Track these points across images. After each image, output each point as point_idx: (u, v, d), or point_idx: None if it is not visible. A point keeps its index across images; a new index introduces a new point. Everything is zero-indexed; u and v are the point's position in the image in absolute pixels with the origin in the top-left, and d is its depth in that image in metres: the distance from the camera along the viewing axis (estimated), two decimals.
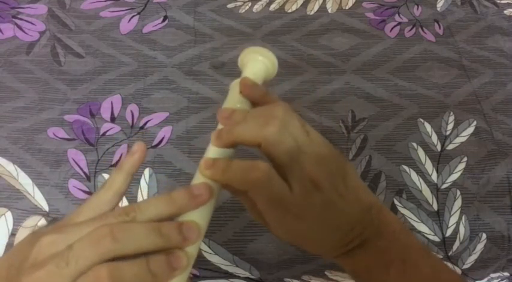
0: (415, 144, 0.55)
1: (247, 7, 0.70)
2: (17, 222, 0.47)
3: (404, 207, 0.51)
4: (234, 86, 0.34)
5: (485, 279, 0.54)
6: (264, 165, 0.29)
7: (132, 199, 0.49)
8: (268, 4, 0.70)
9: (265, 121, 0.30)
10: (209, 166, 0.30)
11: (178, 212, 0.27)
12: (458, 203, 0.51)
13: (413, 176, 0.53)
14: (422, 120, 0.57)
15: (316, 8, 0.70)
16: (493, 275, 0.54)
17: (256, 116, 0.31)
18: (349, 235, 0.30)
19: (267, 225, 0.32)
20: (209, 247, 0.48)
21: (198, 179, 0.30)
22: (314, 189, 0.30)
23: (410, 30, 0.68)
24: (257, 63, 0.35)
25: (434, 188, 0.52)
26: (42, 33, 0.63)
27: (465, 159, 0.54)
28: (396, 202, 0.51)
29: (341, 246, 0.31)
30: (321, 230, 0.30)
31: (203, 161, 0.30)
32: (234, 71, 0.62)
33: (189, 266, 0.28)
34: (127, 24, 0.66)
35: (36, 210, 0.48)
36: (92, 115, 0.56)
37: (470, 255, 0.50)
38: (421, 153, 0.54)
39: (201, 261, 0.48)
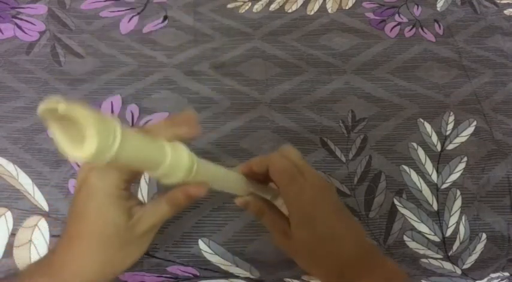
0: (415, 144, 0.55)
1: (247, 7, 0.70)
2: (17, 222, 0.47)
3: (404, 207, 0.51)
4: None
5: (485, 279, 0.54)
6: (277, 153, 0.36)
7: None
8: (268, 4, 0.70)
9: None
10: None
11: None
12: (458, 203, 0.51)
13: (413, 176, 0.53)
14: (422, 120, 0.57)
15: (316, 8, 0.70)
16: (493, 275, 0.54)
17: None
18: (352, 253, 0.33)
19: (287, 240, 0.35)
20: (209, 247, 0.48)
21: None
22: (323, 187, 0.35)
23: (410, 30, 0.68)
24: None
25: (434, 188, 0.52)
26: (42, 33, 0.63)
27: (465, 159, 0.54)
28: (396, 202, 0.51)
29: (342, 266, 0.33)
30: (329, 228, 0.34)
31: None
32: (234, 71, 0.62)
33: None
34: (127, 24, 0.66)
35: (36, 210, 0.48)
36: None
37: (470, 255, 0.50)
38: (421, 153, 0.54)
39: (201, 261, 0.48)
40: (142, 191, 0.50)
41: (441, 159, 0.54)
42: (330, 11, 0.70)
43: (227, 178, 0.36)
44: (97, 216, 0.28)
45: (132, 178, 0.29)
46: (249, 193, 0.38)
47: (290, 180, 0.34)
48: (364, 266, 0.32)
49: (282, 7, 0.70)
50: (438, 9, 0.71)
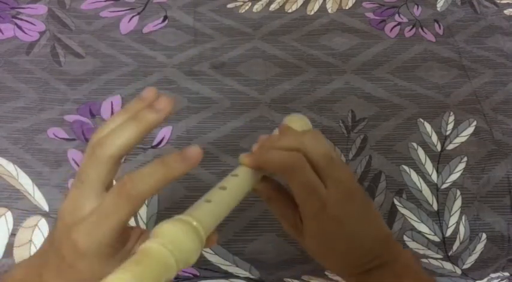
0: (415, 144, 0.55)
1: (247, 7, 0.70)
2: (17, 222, 0.47)
3: (404, 207, 0.51)
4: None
5: (485, 279, 0.54)
6: (299, 154, 0.31)
7: None
8: (268, 4, 0.70)
9: (300, 133, 0.33)
10: (248, 155, 0.32)
11: (172, 175, 0.25)
12: (458, 203, 0.51)
13: (413, 176, 0.53)
14: (422, 120, 0.57)
15: (316, 8, 0.70)
16: (493, 275, 0.54)
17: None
18: (369, 255, 0.32)
19: (298, 234, 0.33)
20: (209, 247, 0.48)
21: (237, 170, 0.32)
22: (349, 197, 0.32)
23: (410, 30, 0.68)
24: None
25: (434, 188, 0.52)
26: (42, 33, 0.63)
27: (465, 159, 0.54)
28: (396, 202, 0.51)
29: (359, 266, 0.32)
30: (349, 239, 0.32)
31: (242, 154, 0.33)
32: (234, 71, 0.62)
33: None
34: (127, 24, 0.66)
35: (36, 210, 0.48)
36: (92, 115, 0.56)
37: (470, 255, 0.50)
38: (421, 153, 0.54)
39: (201, 261, 0.48)
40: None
41: (441, 159, 0.54)
42: (330, 11, 0.70)
43: (232, 196, 0.31)
44: (90, 274, 0.25)
45: (123, 230, 0.25)
46: (259, 180, 0.34)
47: (309, 195, 0.31)
48: (375, 259, 0.31)
49: (282, 7, 0.70)
50: (438, 9, 0.71)
